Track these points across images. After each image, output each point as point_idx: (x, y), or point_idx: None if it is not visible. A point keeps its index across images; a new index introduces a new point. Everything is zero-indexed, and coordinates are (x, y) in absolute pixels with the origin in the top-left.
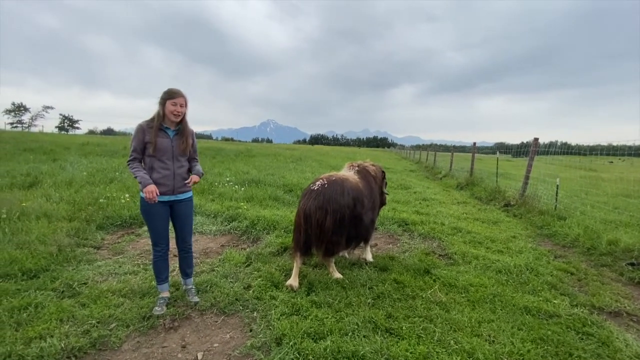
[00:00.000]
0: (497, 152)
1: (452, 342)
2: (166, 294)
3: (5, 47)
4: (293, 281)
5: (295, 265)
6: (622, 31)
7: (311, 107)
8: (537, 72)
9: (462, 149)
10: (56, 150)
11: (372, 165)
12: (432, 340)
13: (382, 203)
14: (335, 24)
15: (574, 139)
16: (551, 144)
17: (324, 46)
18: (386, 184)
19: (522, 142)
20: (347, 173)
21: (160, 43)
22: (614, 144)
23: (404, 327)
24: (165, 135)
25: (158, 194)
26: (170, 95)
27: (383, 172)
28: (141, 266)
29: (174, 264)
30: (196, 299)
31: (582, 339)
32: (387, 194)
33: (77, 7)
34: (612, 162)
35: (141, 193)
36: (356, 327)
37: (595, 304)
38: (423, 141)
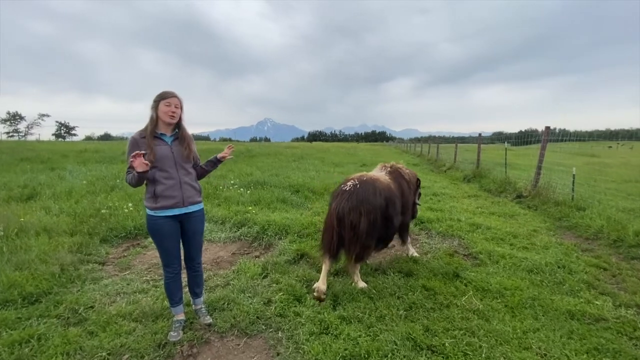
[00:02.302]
0: (505, 142)
1: (502, 359)
2: (181, 317)
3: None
4: (321, 284)
5: (323, 268)
6: (614, 17)
7: (308, 104)
8: (532, 60)
9: (461, 139)
10: (54, 159)
11: (406, 169)
12: (480, 358)
13: (413, 215)
14: (329, 20)
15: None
16: (551, 132)
17: (319, 43)
18: (420, 195)
19: (521, 131)
20: (378, 173)
21: (155, 46)
22: (612, 129)
23: (446, 344)
24: (162, 143)
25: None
26: (163, 96)
27: (418, 180)
28: (151, 282)
29: (184, 277)
30: (209, 319)
31: (638, 345)
32: (419, 204)
33: (70, 13)
34: (611, 147)
35: (148, 210)
36: (394, 346)
37: (639, 303)
38: (421, 134)
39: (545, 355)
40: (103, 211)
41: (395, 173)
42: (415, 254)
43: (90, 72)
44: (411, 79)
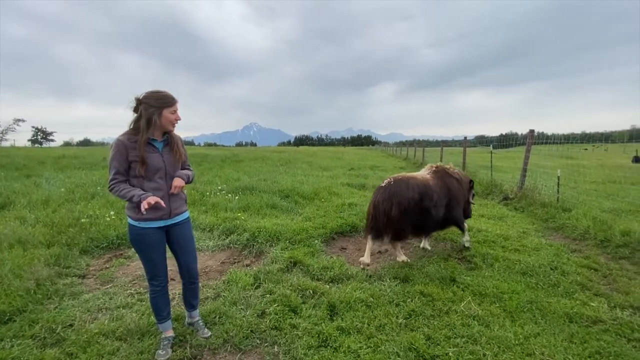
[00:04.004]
0: (490, 145)
1: None
2: (170, 334)
3: None
4: (366, 258)
5: (367, 245)
6: (586, 25)
7: (294, 108)
8: (511, 65)
9: (444, 143)
10: (30, 166)
11: (455, 169)
12: None
13: (468, 215)
14: (313, 25)
15: (549, 129)
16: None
17: (303, 47)
18: (474, 195)
19: (502, 134)
20: (419, 172)
21: (135, 50)
22: (587, 131)
23: (449, 353)
24: (153, 150)
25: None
26: (168, 102)
27: (471, 181)
28: (136, 296)
29: (171, 289)
30: (207, 332)
31: (637, 347)
32: (473, 203)
33: (47, 16)
34: (586, 149)
35: (130, 220)
36: (397, 357)
37: (633, 304)
38: (406, 137)
39: None
40: (83, 220)
41: (440, 172)
42: (467, 244)
43: (69, 76)
44: (395, 83)
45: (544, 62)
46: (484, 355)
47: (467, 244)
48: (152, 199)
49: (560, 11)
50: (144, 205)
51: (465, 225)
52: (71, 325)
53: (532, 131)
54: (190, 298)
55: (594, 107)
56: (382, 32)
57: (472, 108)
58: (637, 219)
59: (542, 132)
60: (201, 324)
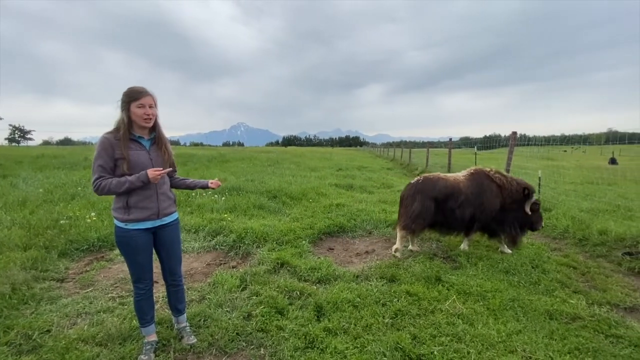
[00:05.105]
0: (475, 147)
1: None
2: (153, 338)
3: None
4: (398, 245)
5: (398, 235)
6: (566, 30)
7: (282, 108)
8: (495, 68)
9: (430, 144)
10: (6, 165)
11: (500, 174)
12: None
13: (531, 226)
14: (301, 26)
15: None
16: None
17: (292, 48)
18: (534, 204)
19: (486, 136)
20: (454, 174)
21: (121, 48)
22: (566, 134)
23: (435, 352)
24: (139, 147)
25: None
26: (134, 96)
27: (525, 189)
28: (117, 300)
29: (155, 292)
30: (193, 339)
31: (614, 343)
32: (529, 213)
33: (28, 12)
34: (565, 150)
35: (116, 221)
36: (384, 357)
37: (610, 301)
38: (393, 138)
39: (531, 357)
40: (62, 222)
41: (477, 175)
42: (506, 250)
43: (49, 73)
44: (382, 85)
45: (527, 66)
46: (468, 353)
47: (505, 250)
48: (158, 170)
49: (543, 17)
50: (154, 174)
51: (519, 234)
52: (48, 331)
53: (514, 133)
54: (175, 302)
55: (573, 110)
56: (369, 33)
57: (457, 110)
58: (613, 218)
59: (524, 134)
60: (188, 330)
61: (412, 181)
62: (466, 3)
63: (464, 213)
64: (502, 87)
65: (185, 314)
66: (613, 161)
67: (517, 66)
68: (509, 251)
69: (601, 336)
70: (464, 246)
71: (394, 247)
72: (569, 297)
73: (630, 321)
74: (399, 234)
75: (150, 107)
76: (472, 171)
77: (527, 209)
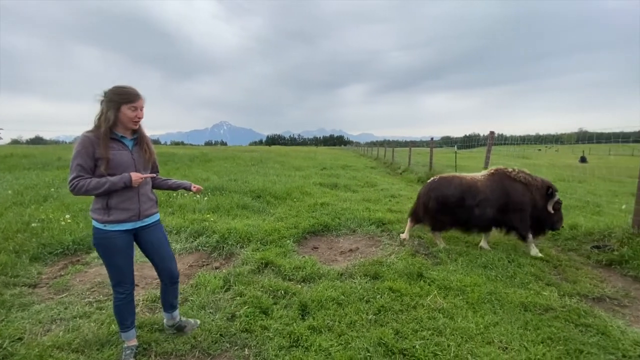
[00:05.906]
0: (455, 146)
1: (469, 356)
2: (133, 342)
3: None
4: (405, 234)
5: (407, 225)
6: (545, 33)
7: (266, 107)
8: (476, 69)
9: (413, 143)
10: None
11: (522, 172)
12: (449, 357)
13: (552, 225)
14: (284, 24)
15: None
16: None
17: (275, 46)
18: (556, 202)
19: (466, 135)
20: (474, 173)
21: (95, 43)
22: (541, 133)
23: (416, 346)
24: (122, 147)
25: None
26: (128, 98)
27: (548, 187)
28: (94, 304)
29: (135, 295)
30: (197, 321)
31: (583, 332)
32: (552, 212)
33: None
34: (540, 149)
35: (95, 222)
36: (367, 353)
37: (580, 292)
38: (376, 138)
39: (507, 348)
40: (34, 225)
41: (498, 174)
42: (538, 254)
43: (18, 69)
44: (365, 85)
45: (506, 67)
46: (449, 345)
47: (532, 253)
48: (142, 175)
49: (522, 20)
50: (137, 179)
51: (530, 236)
52: (20, 338)
53: (492, 133)
54: (172, 298)
55: (546, 111)
56: (353, 33)
57: (439, 110)
58: (583, 214)
59: (502, 134)
60: (184, 319)
61: (430, 180)
62: (449, 5)
63: (485, 212)
64: (482, 88)
65: (178, 309)
66: (583, 160)
67: (497, 67)
68: (540, 255)
69: (571, 325)
70: (483, 244)
71: (402, 236)
72: (542, 290)
73: (597, 310)
74: (408, 225)
75: (141, 109)
76: (492, 171)
77: (550, 208)
